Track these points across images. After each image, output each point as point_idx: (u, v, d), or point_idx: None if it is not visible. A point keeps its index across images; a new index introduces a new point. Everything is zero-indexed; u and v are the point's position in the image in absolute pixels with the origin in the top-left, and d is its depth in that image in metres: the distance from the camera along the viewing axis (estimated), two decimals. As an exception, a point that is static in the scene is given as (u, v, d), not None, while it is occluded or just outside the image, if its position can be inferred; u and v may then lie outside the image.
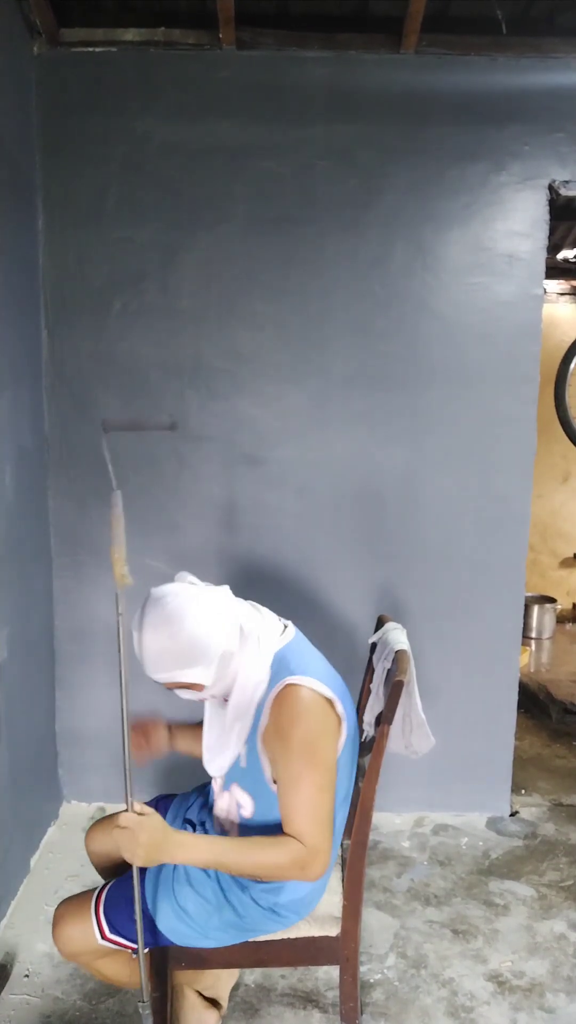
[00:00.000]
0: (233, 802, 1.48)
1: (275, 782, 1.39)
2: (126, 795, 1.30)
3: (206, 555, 2.61)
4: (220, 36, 2.34)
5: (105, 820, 1.73)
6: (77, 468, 2.58)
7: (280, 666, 1.38)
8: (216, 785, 1.54)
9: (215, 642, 1.35)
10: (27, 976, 1.93)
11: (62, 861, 2.40)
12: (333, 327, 2.51)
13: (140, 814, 1.28)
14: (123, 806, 1.30)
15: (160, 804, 1.73)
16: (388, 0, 2.30)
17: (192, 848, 1.31)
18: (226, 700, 1.45)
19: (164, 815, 1.66)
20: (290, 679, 1.34)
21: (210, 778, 1.60)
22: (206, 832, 1.56)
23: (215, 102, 2.42)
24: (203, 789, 1.72)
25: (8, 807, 2.18)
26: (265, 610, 1.52)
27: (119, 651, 1.32)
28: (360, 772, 1.61)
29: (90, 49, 2.40)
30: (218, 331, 2.51)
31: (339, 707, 1.38)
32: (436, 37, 2.38)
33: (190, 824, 1.62)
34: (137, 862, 1.27)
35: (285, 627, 1.50)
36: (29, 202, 2.39)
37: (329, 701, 1.36)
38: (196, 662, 1.35)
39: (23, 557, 2.32)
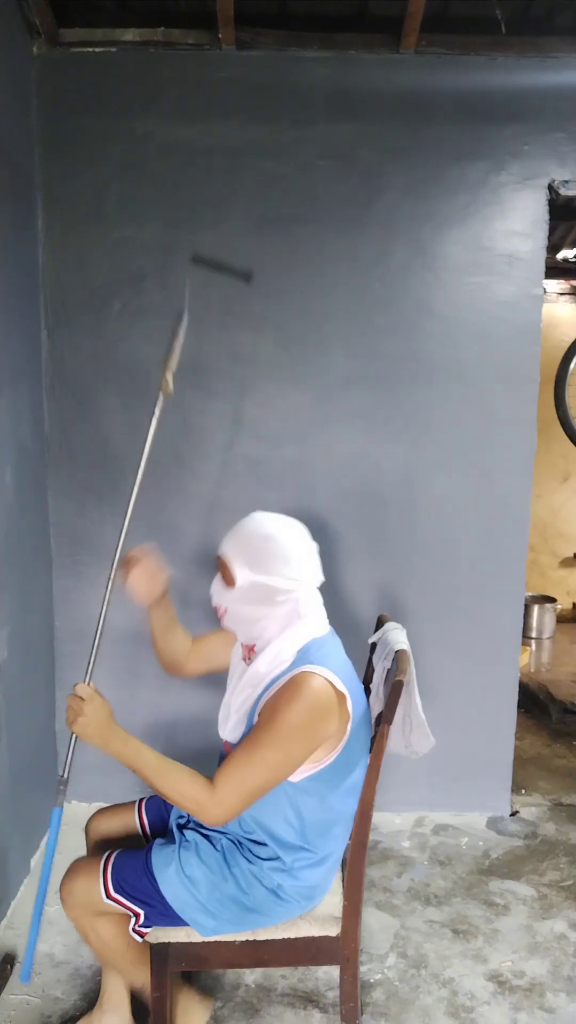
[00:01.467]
0: None
1: None
2: (86, 672, 1.48)
3: (206, 555, 2.60)
4: (220, 36, 2.34)
5: (106, 810, 1.76)
6: (77, 468, 2.58)
7: (303, 655, 1.41)
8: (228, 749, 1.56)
9: (291, 574, 1.41)
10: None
11: (62, 861, 2.39)
12: (333, 327, 2.51)
13: (95, 692, 1.39)
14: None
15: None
16: (388, 0, 2.30)
17: (123, 744, 1.37)
18: (245, 660, 1.50)
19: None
20: (309, 667, 1.37)
21: None
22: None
23: (215, 102, 2.42)
24: None
25: (8, 807, 2.18)
26: (321, 617, 1.54)
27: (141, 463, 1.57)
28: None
29: (90, 49, 2.40)
30: (218, 331, 2.51)
31: (348, 703, 1.39)
32: (436, 37, 2.38)
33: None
34: (74, 728, 1.37)
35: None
36: (29, 202, 2.39)
37: (341, 695, 1.38)
38: (267, 568, 1.41)
39: (23, 557, 2.32)
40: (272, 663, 1.43)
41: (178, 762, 1.38)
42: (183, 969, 1.54)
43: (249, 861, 1.47)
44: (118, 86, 2.41)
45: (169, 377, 1.59)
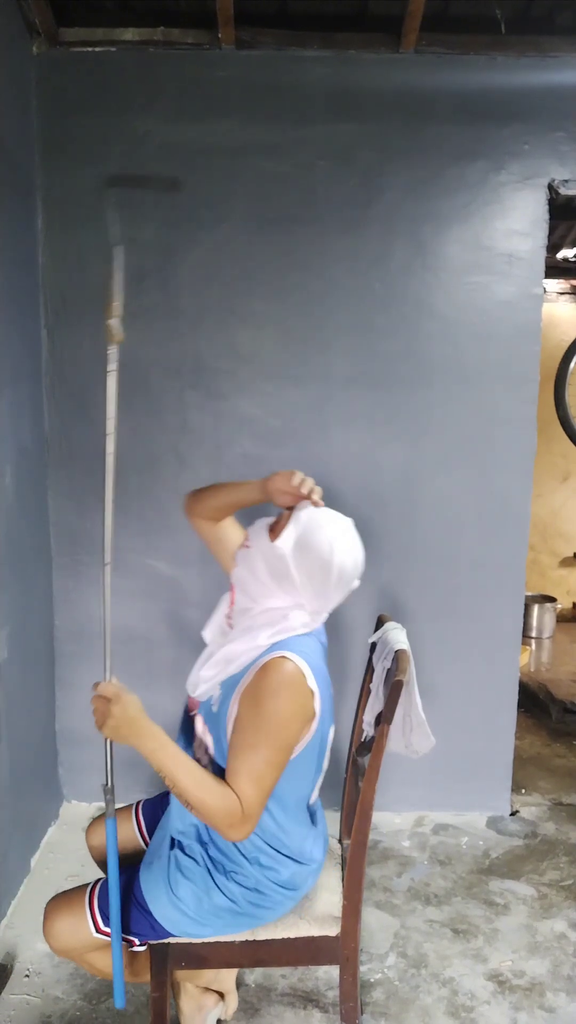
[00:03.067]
0: (205, 731, 1.48)
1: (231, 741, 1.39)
2: (104, 669, 1.35)
3: (206, 555, 2.59)
4: (220, 36, 2.34)
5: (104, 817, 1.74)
6: (77, 468, 2.58)
7: (279, 644, 1.38)
8: (193, 704, 1.54)
9: (311, 593, 1.39)
10: (27, 976, 1.93)
11: (62, 861, 2.40)
12: (333, 327, 2.51)
13: (120, 687, 1.30)
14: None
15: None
16: (388, 0, 2.30)
17: (160, 744, 1.30)
18: (228, 623, 1.48)
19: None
20: (287, 653, 1.35)
21: None
22: None
23: (215, 102, 2.42)
24: None
25: (8, 807, 2.18)
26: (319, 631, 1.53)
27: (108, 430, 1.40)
28: (360, 772, 1.61)
29: (90, 49, 2.40)
30: (218, 331, 2.51)
31: (317, 703, 1.37)
32: (436, 36, 2.38)
33: None
34: (105, 732, 1.29)
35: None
36: (29, 202, 2.39)
37: (311, 692, 1.35)
38: (305, 567, 1.38)
39: (23, 557, 2.32)
40: (249, 646, 1.40)
41: (208, 772, 1.34)
42: (183, 968, 1.54)
43: (225, 872, 1.45)
44: (118, 86, 2.41)
45: (114, 323, 1.47)
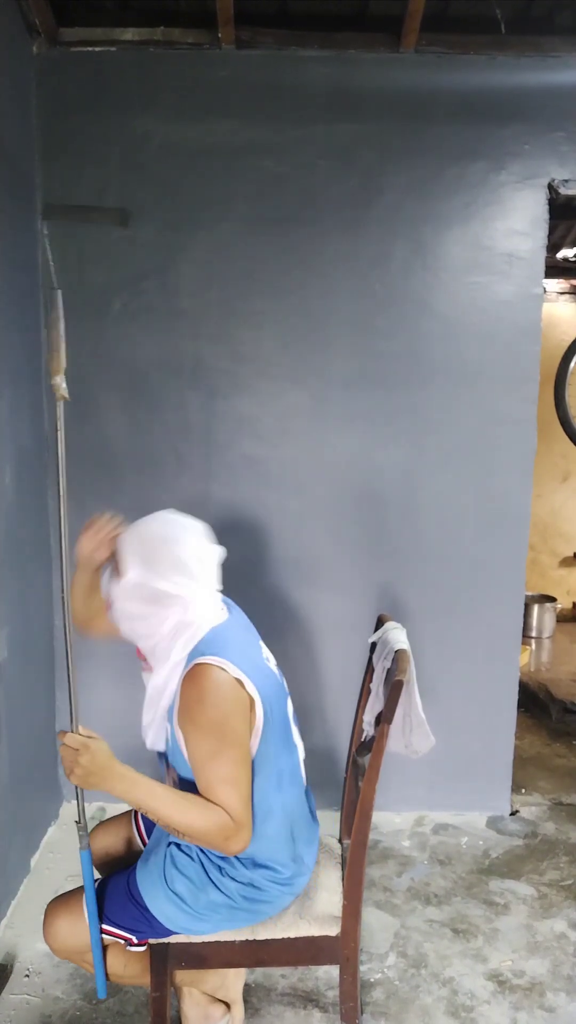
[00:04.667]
0: (170, 780, 1.48)
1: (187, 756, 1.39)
2: (71, 718, 1.38)
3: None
4: (220, 35, 2.34)
5: (106, 823, 1.74)
6: (77, 468, 2.57)
7: (193, 652, 1.37)
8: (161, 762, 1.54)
9: (182, 581, 1.38)
10: (27, 976, 1.93)
11: (62, 861, 2.40)
12: (333, 327, 2.51)
13: (88, 736, 1.32)
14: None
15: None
16: (388, 0, 2.30)
17: (131, 784, 1.31)
18: (145, 670, 1.48)
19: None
20: (200, 659, 1.34)
21: None
22: None
23: (215, 102, 2.42)
24: None
25: (8, 807, 2.18)
26: (217, 594, 1.50)
27: (59, 468, 1.43)
28: (360, 771, 1.61)
29: (90, 49, 2.40)
30: (218, 331, 2.51)
31: (248, 687, 1.35)
32: (436, 36, 2.38)
33: None
34: (73, 780, 1.31)
35: (224, 609, 1.49)
36: (29, 202, 2.39)
37: (239, 682, 1.34)
38: (158, 570, 1.37)
39: (23, 557, 2.32)
40: (170, 674, 1.39)
41: (188, 793, 1.34)
42: (183, 968, 1.54)
43: (220, 869, 1.45)
44: (118, 86, 2.41)
45: (59, 380, 1.36)
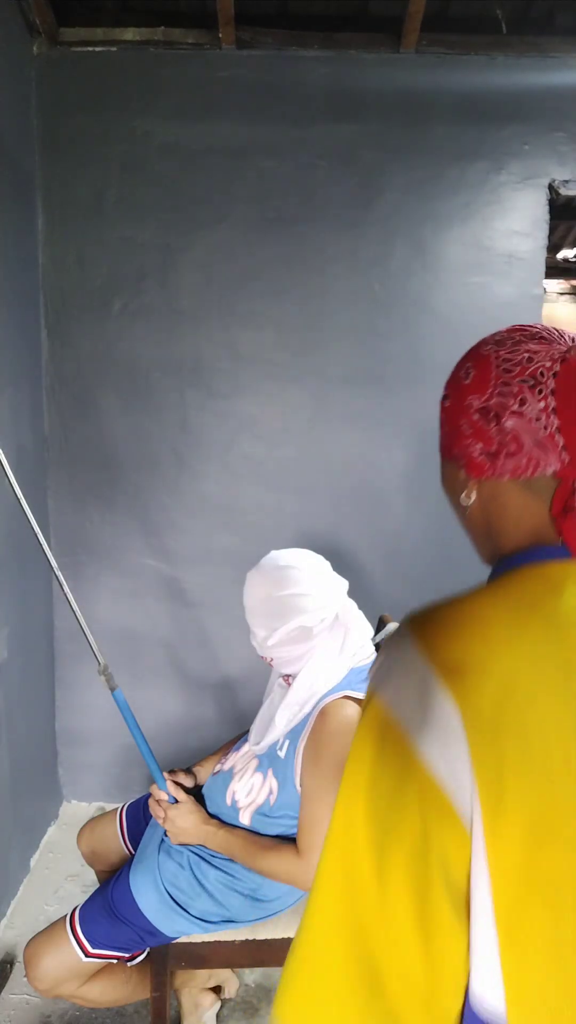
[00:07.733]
0: (266, 787, 1.45)
1: (300, 787, 1.38)
2: (158, 774, 1.50)
3: (206, 555, 2.61)
4: (220, 36, 2.34)
5: (93, 820, 1.74)
6: (77, 468, 2.58)
7: (337, 687, 1.37)
8: (246, 761, 1.52)
9: (309, 604, 1.38)
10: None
11: (62, 861, 2.40)
12: (333, 327, 2.51)
13: (175, 794, 1.47)
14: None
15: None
16: (388, 0, 2.30)
17: (224, 840, 1.42)
18: (288, 680, 1.46)
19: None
20: (348, 692, 1.34)
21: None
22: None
23: (215, 102, 2.42)
24: None
25: (8, 807, 2.18)
26: (366, 625, 1.51)
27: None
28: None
29: (90, 49, 2.40)
30: (218, 331, 2.51)
31: None
32: (436, 36, 2.38)
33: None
34: (174, 841, 1.46)
35: (377, 648, 1.49)
36: (29, 202, 2.39)
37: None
38: (288, 618, 1.37)
39: (23, 557, 2.32)
40: (314, 686, 1.39)
41: (262, 837, 1.41)
42: (183, 969, 1.54)
43: (219, 869, 1.44)
44: (118, 86, 2.41)
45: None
